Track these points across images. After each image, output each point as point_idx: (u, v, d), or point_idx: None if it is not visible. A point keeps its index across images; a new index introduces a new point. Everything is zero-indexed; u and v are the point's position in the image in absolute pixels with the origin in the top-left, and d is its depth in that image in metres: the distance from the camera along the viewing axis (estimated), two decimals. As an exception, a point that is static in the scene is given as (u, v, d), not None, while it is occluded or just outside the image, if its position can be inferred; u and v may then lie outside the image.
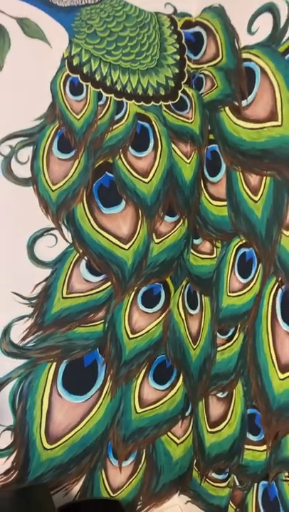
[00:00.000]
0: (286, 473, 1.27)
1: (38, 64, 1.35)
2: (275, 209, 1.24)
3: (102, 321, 1.56)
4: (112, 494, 1.69)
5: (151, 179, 1.55)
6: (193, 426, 1.72)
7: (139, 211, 1.55)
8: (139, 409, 1.68)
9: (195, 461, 1.72)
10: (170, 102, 1.54)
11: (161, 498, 1.79)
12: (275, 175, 1.24)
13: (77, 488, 1.64)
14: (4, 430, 1.50)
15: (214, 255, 1.52)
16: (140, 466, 1.73)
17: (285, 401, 1.26)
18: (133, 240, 1.56)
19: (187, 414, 1.75)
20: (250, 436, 1.41)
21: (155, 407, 1.71)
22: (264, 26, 1.24)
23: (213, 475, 1.60)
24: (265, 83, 1.25)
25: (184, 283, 1.67)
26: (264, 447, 1.35)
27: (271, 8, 1.22)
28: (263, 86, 1.26)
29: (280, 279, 1.25)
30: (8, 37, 1.30)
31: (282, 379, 1.26)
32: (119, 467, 1.69)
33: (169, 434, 1.76)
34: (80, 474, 1.63)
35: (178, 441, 1.78)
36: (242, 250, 1.39)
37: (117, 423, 1.65)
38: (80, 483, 1.64)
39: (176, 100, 1.55)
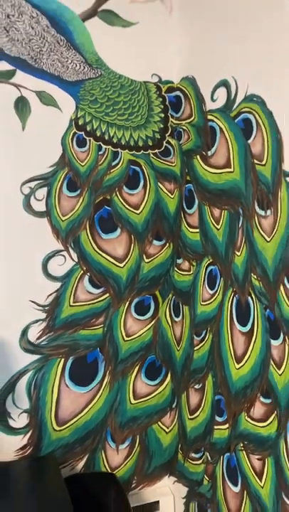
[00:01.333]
0: (241, 444, 1.59)
1: (51, 125, 1.77)
2: (230, 235, 1.61)
3: (102, 325, 1.93)
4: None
5: (141, 211, 1.93)
6: (178, 415, 2.04)
7: (132, 236, 1.93)
8: (133, 401, 2.02)
9: (180, 446, 2.04)
10: (156, 151, 1.93)
11: (152, 479, 2.11)
12: (230, 209, 1.61)
13: (81, 465, 1.98)
14: (22, 413, 1.86)
15: (191, 272, 1.88)
16: (134, 449, 2.06)
17: (240, 386, 1.59)
18: (127, 260, 1.94)
19: (174, 406, 2.08)
20: (217, 418, 1.73)
21: (147, 400, 2.05)
22: (221, 96, 1.63)
23: (192, 455, 1.92)
24: (223, 139, 1.64)
25: (170, 295, 2.03)
26: (227, 425, 1.67)
27: (225, 84, 1.61)
28: (221, 141, 1.64)
29: (234, 289, 1.60)
30: (29, 105, 1.73)
31: (238, 368, 1.59)
32: (116, 449, 2.03)
33: (159, 423, 2.08)
34: (83, 453, 1.97)
35: (167, 430, 2.10)
36: (210, 268, 1.75)
37: (115, 411, 1.99)
38: (84, 460, 1.98)
39: (162, 149, 1.94)
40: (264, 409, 1.48)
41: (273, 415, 1.44)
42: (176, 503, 2.07)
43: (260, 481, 1.49)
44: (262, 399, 1.48)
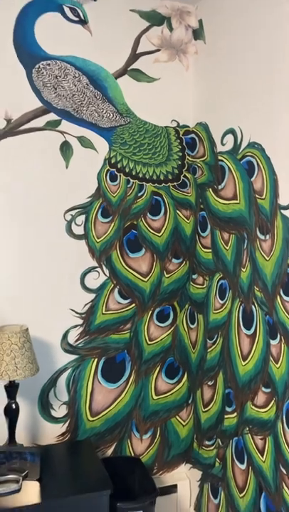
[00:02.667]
0: (247, 428, 1.91)
1: (89, 163, 2.15)
2: (237, 254, 1.95)
3: (129, 330, 2.27)
4: (135, 459, 2.34)
5: (162, 234, 2.29)
6: (194, 409, 2.37)
7: (154, 255, 2.29)
8: (154, 397, 2.36)
9: (195, 436, 2.36)
10: (175, 183, 2.30)
11: (171, 466, 2.43)
12: (237, 233, 1.96)
13: (110, 451, 2.30)
14: (62, 404, 2.20)
15: (204, 286, 2.23)
16: (155, 440, 2.39)
17: (246, 380, 1.92)
18: (150, 275, 2.29)
19: (190, 402, 2.40)
20: (227, 409, 2.06)
21: (166, 396, 2.38)
22: (229, 141, 2.00)
23: (206, 442, 2.24)
24: (231, 176, 2.00)
25: (187, 306, 2.37)
26: (235, 414, 2.00)
27: (232, 131, 1.97)
28: (230, 178, 2.01)
29: (241, 299, 1.94)
30: (71, 148, 2.11)
31: (244, 365, 1.93)
32: (140, 439, 2.35)
33: (177, 417, 2.41)
34: (112, 441, 2.30)
35: (184, 424, 2.43)
36: (220, 281, 2.10)
37: (139, 406, 2.33)
38: (112, 447, 2.30)
39: (180, 182, 2.31)
40: (265, 397, 1.80)
41: (272, 401, 1.76)
42: (191, 486, 2.38)
43: (262, 456, 1.81)
44: (263, 389, 1.81)
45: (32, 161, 2.06)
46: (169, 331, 2.36)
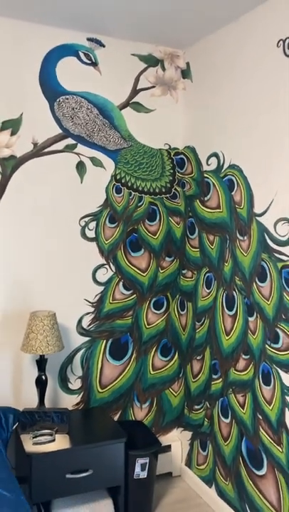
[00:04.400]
0: (230, 390, 2.42)
1: (99, 179, 2.62)
2: (221, 252, 2.47)
3: (131, 317, 2.75)
4: (136, 424, 2.81)
5: (158, 237, 2.79)
6: (184, 382, 2.86)
7: (151, 254, 2.78)
8: (152, 372, 2.83)
9: (185, 403, 2.86)
10: (168, 195, 2.80)
11: (165, 430, 2.91)
12: (220, 235, 2.48)
13: (116, 417, 2.76)
14: (77, 378, 2.65)
15: (193, 278, 2.73)
16: (153, 408, 2.86)
17: (229, 351, 2.43)
18: (148, 271, 2.78)
19: (180, 375, 2.90)
20: (213, 376, 2.56)
21: (161, 371, 2.86)
22: (213, 163, 2.52)
23: (195, 407, 2.73)
24: (215, 190, 2.51)
25: (177, 296, 2.87)
26: (220, 380, 2.50)
27: (216, 155, 2.49)
28: (214, 191, 2.52)
29: (224, 287, 2.45)
30: (85, 167, 2.58)
31: (227, 339, 2.44)
32: (140, 407, 2.82)
33: (170, 389, 2.89)
34: (118, 409, 2.76)
35: (175, 394, 2.91)
36: (207, 274, 2.61)
37: (139, 379, 2.80)
38: (118, 414, 2.77)
39: (171, 194, 2.81)
40: (245, 363, 2.31)
41: (251, 365, 2.27)
42: (182, 446, 2.87)
43: (243, 409, 2.32)
44: (243, 356, 2.32)
45: (54, 177, 2.52)
46: (163, 317, 2.85)
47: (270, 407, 2.15)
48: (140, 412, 2.83)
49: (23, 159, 2.45)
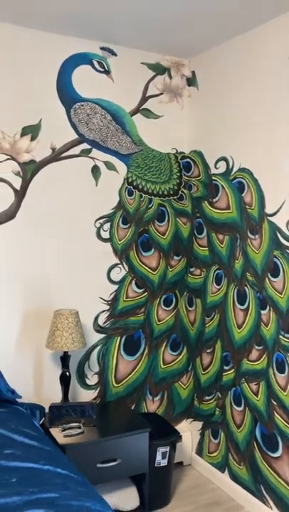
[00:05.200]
0: (243, 379, 2.58)
1: (112, 182, 2.73)
2: (232, 250, 2.63)
3: (143, 314, 2.87)
4: (148, 416, 2.93)
5: (166, 236, 2.92)
6: (193, 374, 3.01)
7: (161, 254, 2.91)
8: (162, 366, 2.97)
9: (195, 395, 3.00)
10: (175, 197, 2.94)
11: (176, 421, 3.04)
12: (230, 235, 2.63)
13: (130, 411, 2.88)
14: (94, 374, 2.76)
15: (202, 276, 2.88)
16: (164, 401, 2.99)
17: (241, 343, 2.59)
18: (158, 270, 2.91)
19: (189, 369, 3.04)
20: (225, 367, 2.72)
21: (171, 365, 3.00)
22: (222, 166, 2.68)
23: (206, 397, 2.88)
24: (224, 192, 2.67)
25: (185, 293, 3.01)
26: (232, 370, 2.66)
27: (225, 159, 2.65)
28: (223, 193, 2.68)
29: (235, 283, 2.61)
30: (100, 170, 2.69)
31: (239, 332, 2.60)
32: (152, 400, 2.95)
33: (179, 382, 3.04)
34: (132, 402, 2.88)
35: (184, 387, 3.06)
36: (217, 272, 2.76)
37: (151, 373, 2.93)
38: (132, 407, 2.88)
39: (179, 196, 2.95)
40: (258, 353, 2.48)
41: (264, 355, 2.44)
42: (193, 436, 3.01)
43: (257, 396, 2.48)
44: (256, 347, 2.49)
45: (71, 180, 2.62)
46: (172, 313, 2.99)
47: (285, 393, 2.32)
48: (152, 405, 2.96)
49: (42, 163, 2.54)
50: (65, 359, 2.46)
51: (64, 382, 2.47)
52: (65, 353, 2.46)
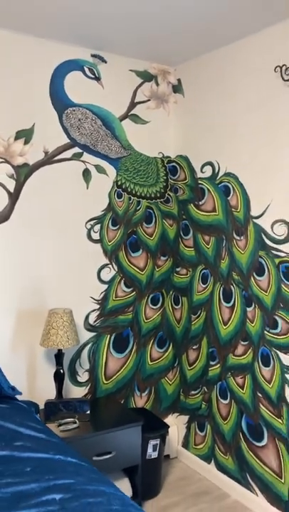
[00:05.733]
0: (229, 373, 2.71)
1: (102, 185, 2.82)
2: (217, 250, 2.76)
3: (132, 312, 2.97)
4: (137, 412, 3.03)
5: (154, 237, 3.03)
6: (179, 370, 3.12)
7: (148, 254, 3.01)
8: (150, 363, 3.07)
9: (181, 390, 3.12)
10: (162, 200, 3.05)
11: (162, 416, 3.15)
12: (216, 236, 2.76)
13: (119, 407, 2.97)
14: (84, 371, 2.83)
15: (188, 275, 3.00)
16: (151, 396, 3.10)
17: (226, 339, 2.72)
18: (146, 270, 3.01)
19: (175, 365, 3.16)
20: (211, 363, 2.84)
21: (158, 362, 3.11)
22: (208, 171, 2.80)
23: (192, 392, 3.00)
24: (210, 195, 2.80)
25: (171, 292, 3.13)
26: (218, 365, 2.79)
27: (210, 164, 2.78)
28: (209, 196, 2.81)
29: (221, 283, 2.74)
30: (90, 174, 2.77)
31: (225, 328, 2.73)
32: (140, 396, 3.05)
33: (166, 378, 3.15)
34: (121, 398, 2.97)
35: (170, 383, 3.17)
36: (203, 271, 2.89)
37: (139, 370, 3.03)
38: (121, 403, 2.97)
39: (165, 198, 3.06)
40: (243, 348, 2.61)
41: (249, 350, 2.58)
42: (179, 429, 3.13)
43: (242, 389, 2.62)
44: (242, 342, 2.62)
45: (63, 183, 2.69)
46: (159, 312, 3.10)
47: (270, 385, 2.46)
48: (140, 400, 3.06)
49: (35, 167, 2.60)
50: (59, 357, 2.53)
51: (58, 380, 2.54)
52: (59, 350, 2.54)
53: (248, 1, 2.10)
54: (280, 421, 2.42)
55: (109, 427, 2.41)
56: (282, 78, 2.28)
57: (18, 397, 2.39)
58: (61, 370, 2.54)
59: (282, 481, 2.41)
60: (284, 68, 2.26)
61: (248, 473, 2.61)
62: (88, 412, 2.48)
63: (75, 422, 2.39)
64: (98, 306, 2.86)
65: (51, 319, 2.47)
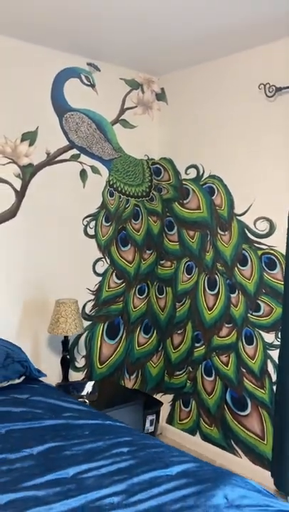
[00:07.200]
0: (214, 353, 3.05)
1: (97, 184, 3.05)
2: (202, 244, 3.08)
3: (122, 302, 3.23)
4: (126, 393, 3.30)
5: (140, 233, 3.30)
6: (164, 354, 3.42)
7: (136, 248, 3.29)
8: (137, 348, 3.35)
9: (166, 372, 3.42)
10: (147, 198, 3.33)
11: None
12: (201, 231, 3.09)
13: (111, 389, 3.22)
14: (81, 357, 3.06)
15: (172, 267, 3.31)
16: (138, 379, 3.38)
17: (211, 323, 3.06)
18: (133, 262, 3.28)
19: (159, 349, 3.45)
20: (196, 345, 3.17)
21: (144, 347, 3.39)
22: (192, 173, 3.12)
23: (177, 372, 3.32)
24: (195, 195, 3.12)
25: (155, 283, 3.42)
26: (203, 347, 3.12)
27: (195, 166, 3.10)
28: (194, 196, 3.13)
29: (206, 272, 3.08)
30: (86, 174, 2.99)
31: (210, 313, 3.06)
32: (129, 379, 3.32)
33: (150, 361, 3.44)
34: (114, 381, 3.22)
35: (154, 366, 3.46)
36: (187, 263, 3.20)
37: (128, 355, 3.30)
38: (113, 386, 3.23)
39: (150, 197, 3.35)
40: (228, 330, 2.96)
41: (233, 331, 2.93)
42: (163, 408, 3.43)
43: (227, 366, 2.97)
44: (226, 325, 2.97)
45: (62, 182, 2.89)
46: (145, 301, 3.38)
47: (254, 361, 2.83)
48: (129, 383, 3.33)
49: (38, 167, 2.78)
50: (66, 343, 2.75)
51: (65, 365, 2.75)
52: (66, 337, 2.75)
53: (236, 25, 2.41)
54: (262, 391, 2.79)
55: (116, 405, 2.66)
56: (266, 95, 2.64)
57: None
58: (67, 356, 2.75)
59: (265, 442, 2.79)
60: (267, 86, 2.62)
61: (232, 439, 2.97)
62: (96, 393, 2.72)
63: (86, 402, 2.62)
64: (93, 297, 3.09)
65: (60, 308, 2.67)
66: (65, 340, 2.75)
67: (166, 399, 3.42)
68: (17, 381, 2.21)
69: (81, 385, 2.70)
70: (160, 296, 3.42)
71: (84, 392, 2.71)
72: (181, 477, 1.40)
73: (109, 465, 1.48)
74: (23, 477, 1.43)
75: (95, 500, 1.29)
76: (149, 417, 2.89)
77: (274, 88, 2.58)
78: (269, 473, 2.67)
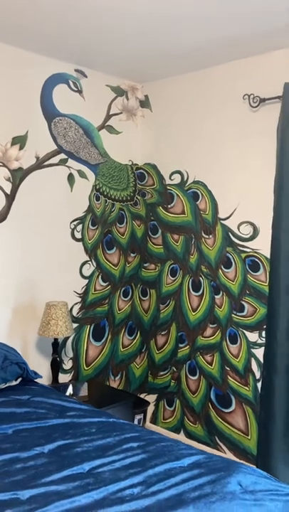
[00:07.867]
0: (198, 353, 3.15)
1: (84, 188, 3.10)
2: (187, 247, 3.18)
3: (107, 304, 3.28)
4: (111, 394, 3.35)
5: (125, 237, 3.37)
6: (147, 355, 3.50)
7: (121, 251, 3.35)
8: (122, 349, 3.41)
9: (149, 372, 3.49)
10: (131, 203, 3.40)
11: (132, 397, 3.50)
12: (185, 235, 3.19)
13: (97, 390, 3.27)
14: (69, 359, 3.09)
15: (156, 270, 3.39)
16: (122, 379, 3.44)
17: (195, 324, 3.15)
18: (119, 266, 3.34)
19: (143, 351, 3.52)
20: (180, 345, 3.26)
21: (128, 348, 3.45)
22: (177, 178, 3.22)
23: (161, 373, 3.40)
24: (179, 199, 3.22)
25: (139, 285, 3.49)
26: (188, 347, 3.21)
27: (179, 172, 3.20)
28: (178, 200, 3.22)
29: (190, 275, 3.18)
30: (74, 178, 3.04)
31: (194, 314, 3.16)
32: (114, 380, 3.37)
33: (134, 362, 3.50)
34: (99, 382, 3.27)
35: (138, 367, 3.53)
36: (172, 266, 3.29)
37: (113, 356, 3.35)
38: (99, 387, 3.27)
39: (134, 201, 3.42)
40: (212, 331, 3.07)
41: (218, 331, 3.04)
42: (148, 407, 3.50)
43: (211, 365, 3.08)
44: (210, 325, 3.08)
45: (51, 186, 2.92)
46: (129, 303, 3.44)
47: (238, 360, 2.94)
48: (114, 383, 3.38)
49: (28, 171, 2.81)
50: (56, 345, 2.77)
51: (55, 367, 2.78)
52: (56, 340, 2.78)
53: (221, 38, 2.52)
54: (246, 388, 2.91)
55: (107, 405, 2.71)
56: (250, 105, 2.77)
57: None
58: (57, 358, 2.78)
59: (249, 437, 2.91)
60: (252, 97, 2.75)
61: (216, 436, 3.07)
62: (87, 394, 2.76)
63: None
64: (80, 300, 3.13)
65: (51, 311, 2.70)
66: (55, 343, 2.78)
67: (149, 399, 3.49)
68: (14, 383, 2.23)
69: (73, 385, 2.73)
70: (144, 299, 3.49)
71: (66, 394, 2.75)
72: (194, 468, 1.47)
73: (122, 459, 1.54)
74: (39, 474, 1.47)
75: (116, 491, 1.35)
76: (137, 417, 2.96)
77: (258, 99, 2.71)
78: (254, 467, 2.78)
